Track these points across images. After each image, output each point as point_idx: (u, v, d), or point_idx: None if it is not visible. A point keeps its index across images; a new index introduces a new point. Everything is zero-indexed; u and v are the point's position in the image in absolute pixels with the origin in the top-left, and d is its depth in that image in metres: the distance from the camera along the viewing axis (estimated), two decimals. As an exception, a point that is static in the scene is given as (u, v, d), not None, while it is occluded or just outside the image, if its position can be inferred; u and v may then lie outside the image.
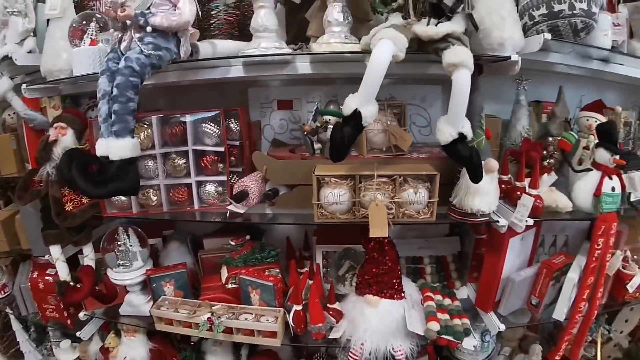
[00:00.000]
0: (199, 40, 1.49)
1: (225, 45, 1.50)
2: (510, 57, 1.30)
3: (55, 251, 1.60)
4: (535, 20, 1.37)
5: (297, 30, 1.60)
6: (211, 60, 1.45)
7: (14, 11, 1.67)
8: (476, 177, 1.27)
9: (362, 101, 1.19)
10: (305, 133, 1.47)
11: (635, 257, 1.85)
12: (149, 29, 1.28)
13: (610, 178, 1.53)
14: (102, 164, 1.27)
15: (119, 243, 1.63)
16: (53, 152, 1.54)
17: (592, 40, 1.48)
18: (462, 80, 1.15)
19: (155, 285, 1.65)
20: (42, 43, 1.66)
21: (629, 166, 1.67)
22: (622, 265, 1.79)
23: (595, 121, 1.63)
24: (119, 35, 1.34)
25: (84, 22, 1.59)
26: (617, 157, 1.50)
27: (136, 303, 1.67)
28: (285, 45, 1.42)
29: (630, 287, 1.77)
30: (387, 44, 1.14)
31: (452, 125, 1.21)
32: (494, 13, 1.30)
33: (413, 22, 1.23)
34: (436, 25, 1.21)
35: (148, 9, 1.30)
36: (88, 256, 1.66)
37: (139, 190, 1.36)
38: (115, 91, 1.22)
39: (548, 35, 1.32)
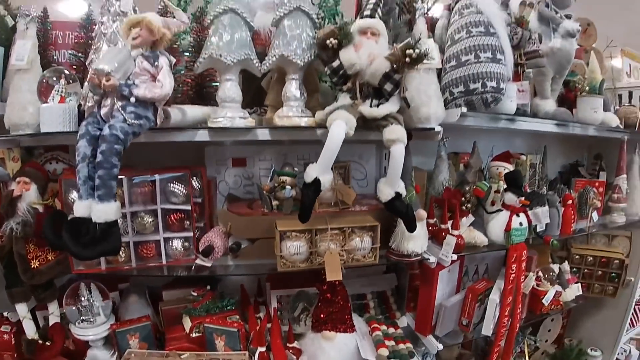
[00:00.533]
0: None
1: (193, 112, 1.67)
2: (434, 129, 1.64)
3: (22, 309, 1.64)
4: (455, 96, 1.73)
5: (252, 94, 1.83)
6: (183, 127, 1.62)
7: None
8: (411, 228, 1.59)
9: (321, 170, 1.46)
10: (265, 192, 1.69)
11: (546, 275, 2.30)
12: (132, 99, 1.41)
13: (518, 215, 1.95)
14: (85, 225, 1.37)
15: (82, 299, 1.69)
16: (18, 208, 1.59)
17: (500, 106, 1.85)
18: (398, 152, 1.47)
19: (121, 339, 1.72)
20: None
21: (533, 204, 2.11)
22: (536, 283, 2.25)
23: (504, 169, 2.06)
24: (98, 99, 1.46)
25: (54, 78, 1.65)
26: (522, 198, 1.92)
27: (101, 358, 1.73)
28: (248, 114, 1.64)
29: (546, 300, 2.23)
30: (341, 125, 1.42)
31: (390, 186, 1.53)
32: (422, 93, 1.63)
33: (359, 103, 1.53)
34: (377, 105, 1.52)
35: (129, 78, 1.43)
36: (54, 313, 1.71)
37: (120, 250, 1.47)
38: (100, 157, 1.32)
39: (464, 109, 1.70)
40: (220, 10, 1.59)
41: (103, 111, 1.43)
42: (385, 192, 1.52)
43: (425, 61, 1.61)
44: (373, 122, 1.51)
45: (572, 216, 2.27)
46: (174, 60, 1.56)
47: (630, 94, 2.75)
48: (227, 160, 1.94)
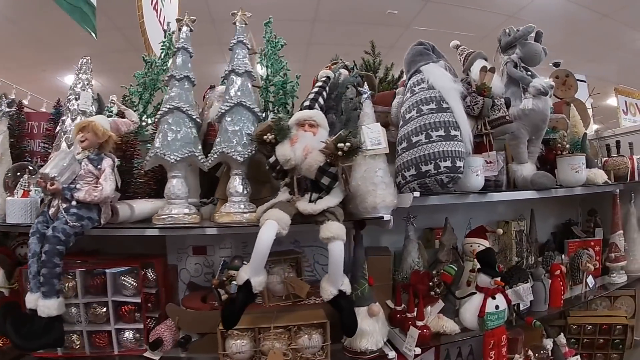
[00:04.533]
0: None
1: (142, 206, 1.62)
2: (383, 217, 1.48)
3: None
4: (407, 180, 1.56)
5: (209, 184, 1.77)
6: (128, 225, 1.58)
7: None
8: (349, 332, 1.41)
9: (252, 272, 1.33)
10: (214, 286, 1.59)
11: (537, 355, 1.99)
12: (73, 202, 1.44)
13: (494, 298, 1.68)
14: (33, 316, 1.40)
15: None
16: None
17: (465, 182, 1.67)
18: (336, 250, 1.31)
19: None
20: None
21: (514, 280, 1.87)
22: (527, 364, 1.95)
23: (479, 246, 1.83)
24: (49, 199, 1.49)
25: (18, 174, 1.71)
26: (498, 279, 1.68)
27: None
28: (195, 209, 1.56)
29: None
30: (271, 225, 1.29)
31: (332, 284, 1.37)
32: (367, 181, 1.48)
33: (297, 199, 1.41)
34: (317, 199, 1.40)
35: (74, 180, 1.47)
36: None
37: (63, 343, 1.51)
38: (43, 257, 1.37)
39: (417, 194, 1.52)
40: (166, 109, 1.56)
41: (51, 211, 1.48)
42: (327, 290, 1.36)
43: (370, 147, 1.50)
44: (312, 217, 1.39)
45: (562, 287, 2.00)
46: (117, 161, 1.56)
47: (618, 144, 2.46)
48: (187, 249, 1.84)
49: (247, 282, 1.33)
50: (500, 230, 1.92)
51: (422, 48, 1.73)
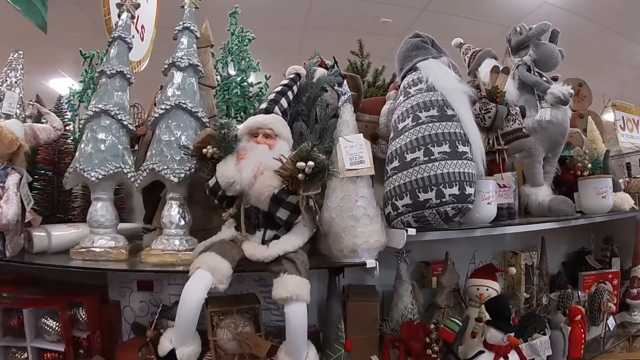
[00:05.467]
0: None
1: (61, 237, 1.20)
2: (365, 264, 1.02)
3: None
4: (399, 211, 1.10)
5: (154, 205, 1.32)
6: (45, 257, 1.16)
7: None
8: None
9: (178, 341, 0.89)
10: (148, 339, 1.15)
11: None
12: None
13: (506, 357, 1.22)
14: None
15: None
16: None
17: (474, 211, 1.23)
18: (294, 315, 0.87)
19: None
20: None
21: (529, 331, 1.40)
22: None
23: (487, 289, 1.35)
24: None
25: None
26: (511, 334, 1.21)
27: None
28: (122, 241, 1.13)
29: None
30: (200, 278, 0.84)
31: (291, 357, 0.92)
32: (345, 213, 1.02)
33: (243, 237, 0.96)
34: (272, 239, 0.95)
35: None
36: None
37: None
38: None
39: (413, 231, 1.07)
40: (91, 113, 1.13)
41: None
42: (286, 366, 0.93)
43: (350, 167, 1.05)
44: (264, 265, 0.94)
45: (582, 335, 1.52)
46: (28, 178, 1.15)
47: (643, 162, 1.99)
48: (131, 283, 1.39)
49: (172, 354, 0.89)
50: (514, 270, 1.44)
51: (419, 41, 1.28)
